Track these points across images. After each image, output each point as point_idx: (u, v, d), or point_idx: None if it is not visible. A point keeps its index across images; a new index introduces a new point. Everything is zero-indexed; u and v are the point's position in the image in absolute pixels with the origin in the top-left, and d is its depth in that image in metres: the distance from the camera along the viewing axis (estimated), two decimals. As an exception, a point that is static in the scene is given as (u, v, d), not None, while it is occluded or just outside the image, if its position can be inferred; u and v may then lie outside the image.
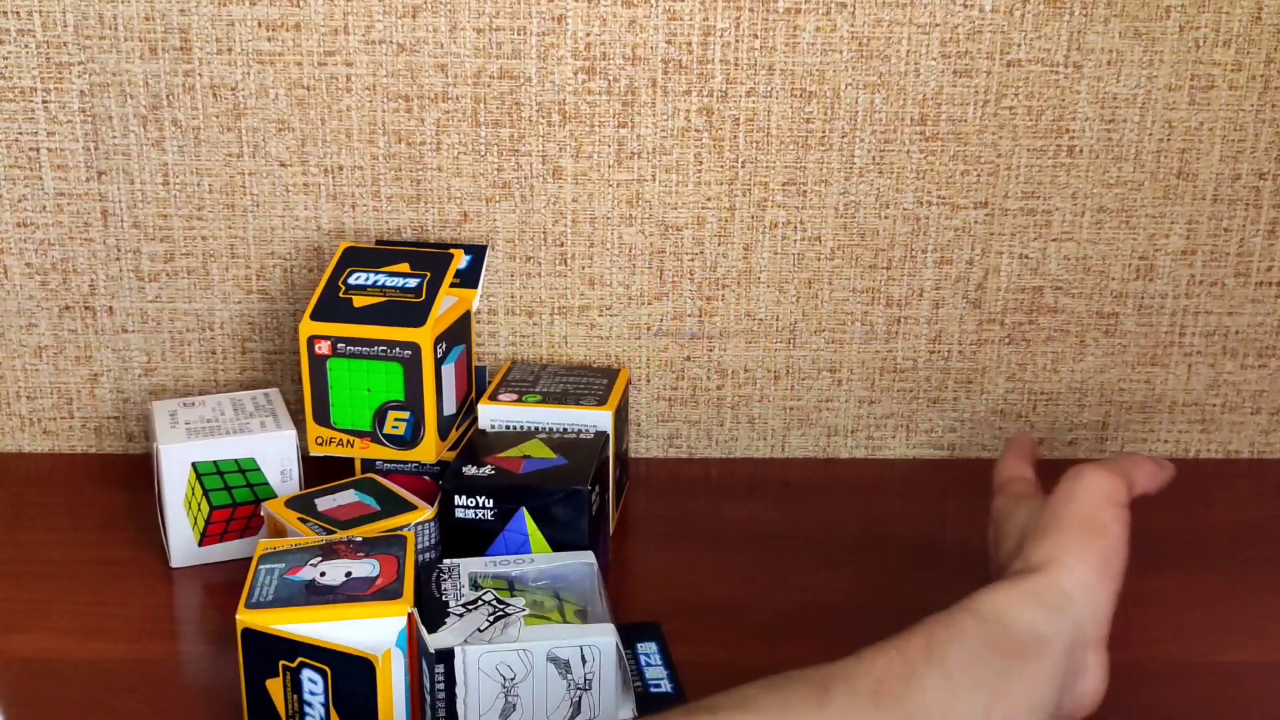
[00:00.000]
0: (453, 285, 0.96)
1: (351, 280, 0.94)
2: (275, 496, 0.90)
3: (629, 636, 0.80)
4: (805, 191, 1.02)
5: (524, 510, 0.85)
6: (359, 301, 0.92)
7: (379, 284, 0.93)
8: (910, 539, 0.97)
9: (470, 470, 0.88)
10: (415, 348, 0.90)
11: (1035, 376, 1.07)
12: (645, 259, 1.04)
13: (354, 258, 0.96)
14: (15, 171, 1.00)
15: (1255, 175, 1.03)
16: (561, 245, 1.03)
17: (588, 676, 0.73)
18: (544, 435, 0.94)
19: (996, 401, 1.08)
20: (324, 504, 0.86)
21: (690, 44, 0.99)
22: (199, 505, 0.90)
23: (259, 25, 0.98)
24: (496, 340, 1.05)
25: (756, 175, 1.02)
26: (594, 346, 1.06)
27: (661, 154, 1.01)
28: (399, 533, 0.81)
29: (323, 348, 0.91)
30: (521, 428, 0.96)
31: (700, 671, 0.80)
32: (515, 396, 0.97)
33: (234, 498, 0.91)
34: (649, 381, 1.07)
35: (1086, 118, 1.01)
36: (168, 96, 0.99)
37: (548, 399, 0.97)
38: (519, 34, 0.98)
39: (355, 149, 1.01)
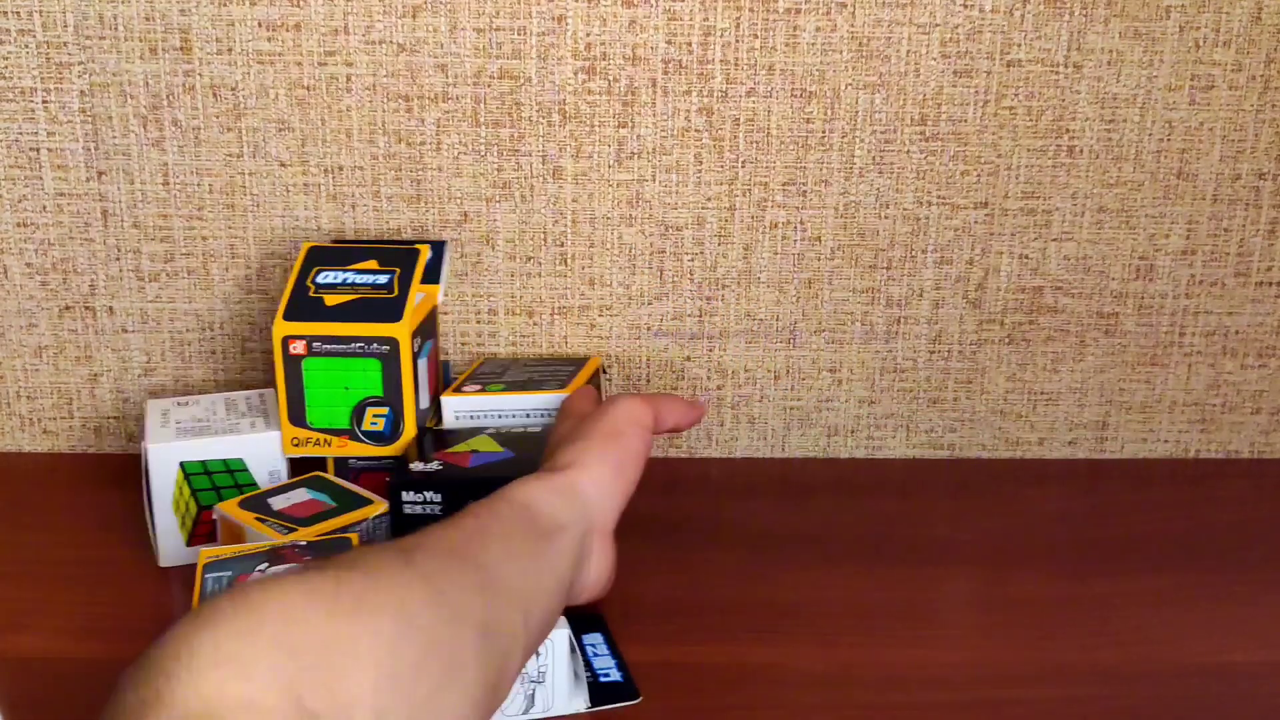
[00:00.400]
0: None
1: (320, 279, 0.93)
2: None
3: (575, 629, 0.80)
4: (805, 191, 1.02)
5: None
6: (331, 300, 0.92)
7: (349, 282, 0.93)
8: (910, 539, 0.97)
9: (418, 466, 0.89)
10: (394, 343, 0.90)
11: (1035, 376, 1.07)
12: (645, 259, 1.04)
13: (319, 257, 0.96)
14: (15, 171, 1.00)
15: (1255, 175, 1.03)
16: (561, 245, 1.03)
17: (541, 670, 0.73)
18: (493, 430, 0.94)
19: (996, 401, 1.08)
20: (279, 503, 0.86)
21: (690, 44, 0.99)
22: (187, 505, 0.90)
23: (259, 25, 0.98)
24: (497, 340, 1.05)
25: (756, 175, 1.02)
26: (594, 346, 1.06)
27: (661, 154, 1.01)
28: (346, 534, 0.81)
29: (298, 347, 0.91)
30: (486, 417, 0.96)
31: (701, 671, 0.80)
32: (479, 387, 0.97)
33: (222, 498, 0.90)
34: (649, 381, 1.07)
35: (1086, 118, 1.01)
36: (168, 96, 0.99)
37: (511, 387, 0.97)
38: (519, 34, 0.98)
39: (355, 149, 1.01)
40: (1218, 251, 1.04)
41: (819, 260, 1.04)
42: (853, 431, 1.09)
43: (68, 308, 1.04)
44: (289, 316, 0.91)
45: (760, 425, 1.08)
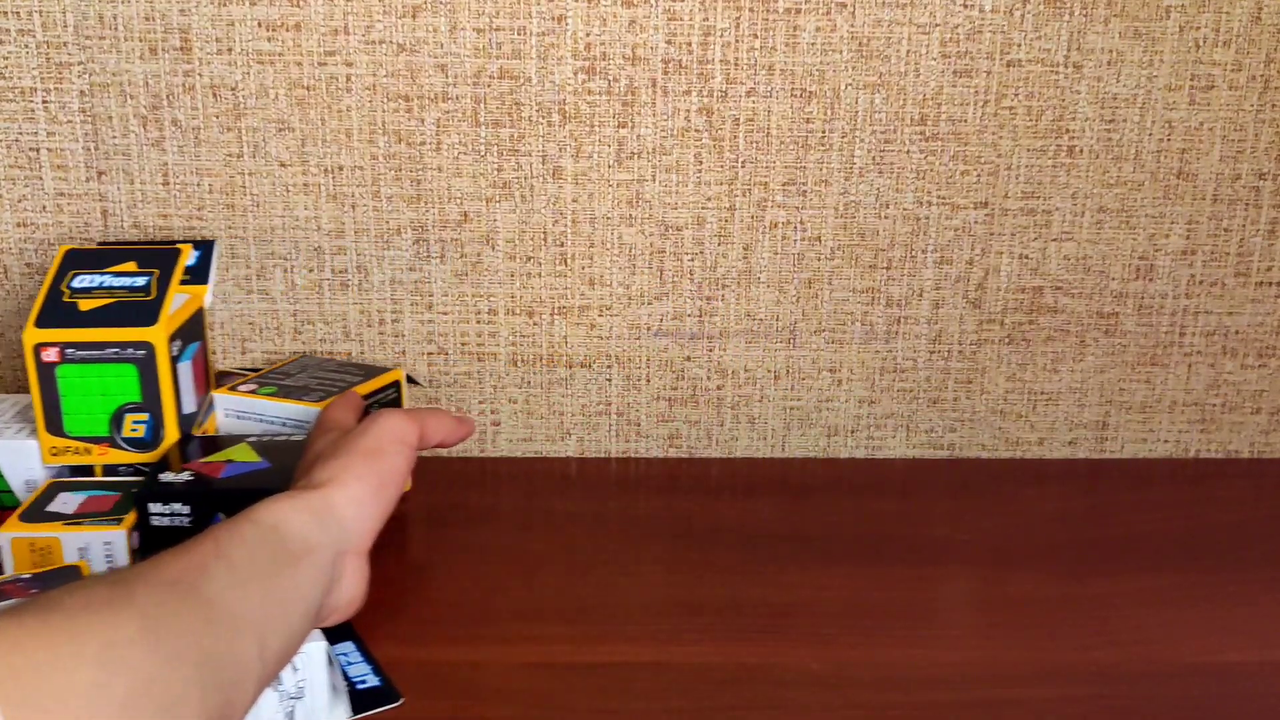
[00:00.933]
0: (183, 282, 0.95)
1: (76, 284, 0.91)
2: (18, 505, 0.88)
3: (327, 639, 0.78)
4: (805, 191, 1.02)
5: (219, 517, 0.82)
6: (85, 305, 0.90)
7: (105, 285, 0.91)
8: (910, 539, 0.97)
9: (167, 476, 0.86)
10: (149, 347, 0.88)
11: (1035, 376, 1.07)
12: (645, 259, 1.04)
13: (76, 260, 0.94)
14: (15, 171, 1.01)
15: (1255, 175, 1.02)
16: (561, 245, 1.03)
17: (300, 685, 0.72)
18: (254, 438, 0.92)
19: (996, 401, 1.08)
20: (62, 505, 0.85)
21: (690, 44, 0.99)
22: None
23: (259, 25, 0.98)
24: (497, 340, 1.05)
25: (756, 175, 1.02)
26: (594, 346, 1.06)
27: (661, 154, 1.01)
28: (74, 564, 0.80)
29: (50, 355, 0.88)
30: (252, 420, 0.95)
31: (701, 671, 0.80)
32: (254, 388, 0.97)
33: None
34: (649, 381, 1.07)
35: (1086, 118, 1.01)
36: (168, 96, 0.99)
37: (283, 391, 0.96)
38: (519, 34, 0.98)
39: (355, 149, 1.01)
40: (1218, 251, 1.04)
41: (819, 260, 1.04)
42: (853, 431, 1.09)
43: (68, 307, 1.04)
44: (41, 323, 0.88)
45: (760, 425, 1.08)
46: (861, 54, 0.99)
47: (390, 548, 0.94)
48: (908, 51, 0.99)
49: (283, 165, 1.01)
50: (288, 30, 0.98)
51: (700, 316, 1.05)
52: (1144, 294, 1.05)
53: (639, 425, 1.08)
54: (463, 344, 1.05)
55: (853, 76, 1.00)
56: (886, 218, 1.03)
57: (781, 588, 0.90)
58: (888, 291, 1.05)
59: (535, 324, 1.05)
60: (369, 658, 0.79)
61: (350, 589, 0.78)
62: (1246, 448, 1.10)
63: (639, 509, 1.02)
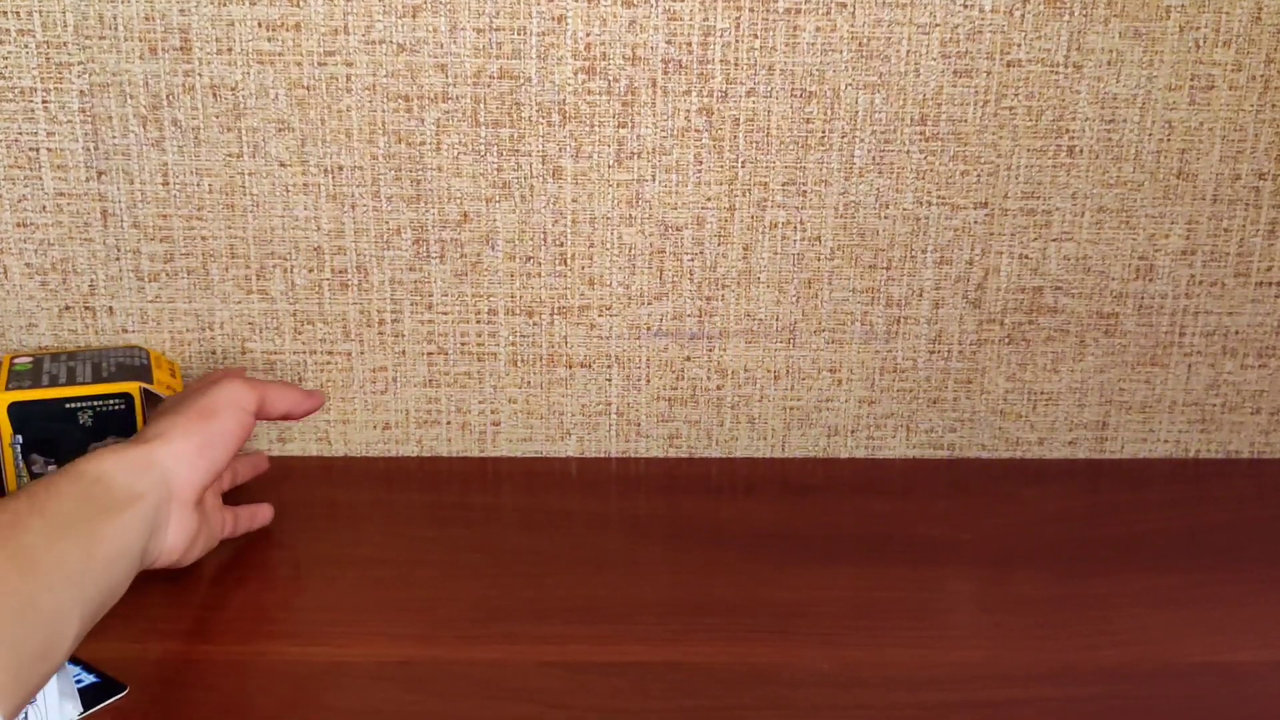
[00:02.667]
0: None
1: None
2: None
3: None
4: (805, 191, 1.02)
5: None
6: None
7: None
8: (911, 539, 0.97)
9: None
10: None
11: (1035, 376, 1.07)
12: (645, 259, 1.04)
13: None
14: (15, 171, 1.00)
15: (1255, 175, 1.03)
16: (561, 245, 1.03)
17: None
18: None
19: (996, 401, 1.08)
20: None
21: (690, 44, 0.99)
22: None
23: (259, 25, 0.98)
24: (497, 340, 1.05)
25: (756, 175, 1.02)
26: (594, 346, 1.06)
27: (661, 154, 1.01)
28: None
29: None
30: None
31: (711, 671, 0.80)
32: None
33: None
34: (649, 381, 1.07)
35: (1086, 118, 1.01)
36: (168, 96, 0.99)
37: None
38: (519, 34, 0.98)
39: (355, 149, 1.01)
40: (1218, 251, 1.04)
41: (819, 260, 1.04)
42: (853, 431, 1.09)
43: (67, 308, 1.04)
44: None
45: (760, 425, 1.08)
46: (861, 54, 0.99)
47: (394, 547, 0.95)
48: (908, 51, 0.99)
49: (283, 165, 1.01)
50: (288, 30, 0.98)
51: (700, 316, 1.05)
52: (1144, 294, 1.05)
53: (639, 425, 1.08)
54: (463, 344, 1.05)
55: (853, 76, 1.00)
56: (886, 218, 1.03)
57: (786, 588, 0.90)
58: (888, 291, 1.05)
59: (535, 324, 1.05)
60: (74, 659, 0.79)
61: (174, 537, 0.82)
62: (1246, 448, 1.10)
63: (639, 509, 1.02)
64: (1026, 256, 1.04)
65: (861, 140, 1.01)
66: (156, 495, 0.80)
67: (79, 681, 0.77)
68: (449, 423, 1.08)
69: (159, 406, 0.90)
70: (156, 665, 0.81)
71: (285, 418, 0.94)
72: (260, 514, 0.96)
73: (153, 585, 0.88)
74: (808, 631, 0.85)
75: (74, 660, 0.79)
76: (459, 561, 0.93)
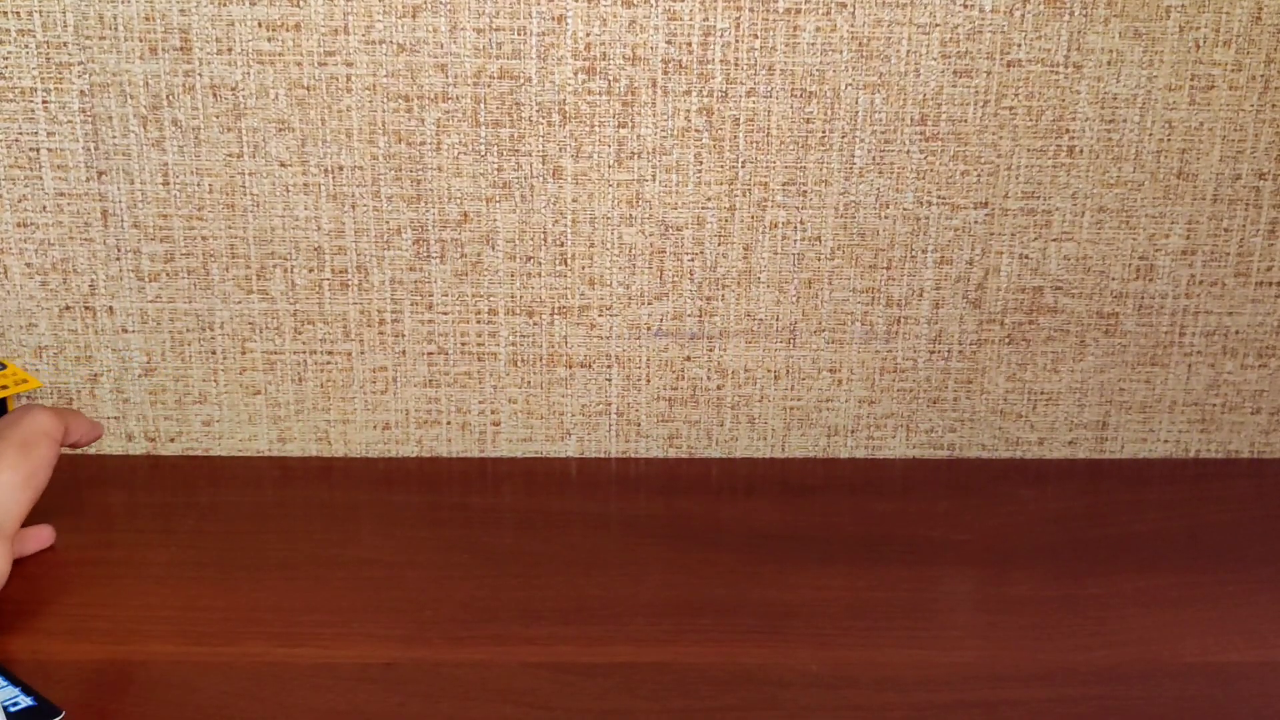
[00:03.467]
0: None
1: None
2: None
3: None
4: (805, 191, 1.02)
5: None
6: None
7: None
8: (910, 539, 0.97)
9: None
10: None
11: (1035, 376, 1.07)
12: (645, 259, 1.04)
13: None
14: (15, 171, 1.01)
15: (1255, 175, 1.02)
16: (561, 245, 1.03)
17: None
18: None
19: (996, 401, 1.08)
20: None
21: (690, 44, 0.99)
22: None
23: (259, 25, 0.98)
24: (497, 340, 1.05)
25: (756, 175, 1.02)
26: (594, 346, 1.06)
27: (661, 154, 1.01)
28: None
29: None
30: None
31: (702, 671, 0.80)
32: None
33: None
34: (649, 381, 1.07)
35: (1086, 118, 1.01)
36: (168, 96, 0.99)
37: None
38: (519, 34, 0.98)
39: (355, 149, 1.01)
40: (1218, 251, 1.04)
41: (819, 260, 1.04)
42: (853, 431, 1.09)
43: (67, 308, 1.04)
44: None
45: (760, 425, 1.08)
46: (861, 54, 0.99)
47: (390, 548, 0.95)
48: (908, 51, 0.99)
49: (283, 165, 1.01)
50: (288, 30, 0.98)
51: (700, 316, 1.05)
52: (1144, 294, 1.05)
53: (639, 425, 1.08)
54: (463, 344, 1.05)
55: (853, 76, 1.00)
56: (886, 218, 1.03)
57: (782, 588, 0.90)
58: (888, 291, 1.05)
59: (535, 324, 1.05)
60: (15, 680, 0.78)
61: None
62: (1246, 448, 1.10)
63: (639, 509, 1.02)
64: (1027, 256, 1.04)
65: (862, 140, 1.01)
66: None
67: (14, 705, 0.75)
68: (449, 423, 1.08)
69: None
70: (141, 665, 0.81)
71: (75, 445, 0.93)
72: (41, 535, 0.94)
73: (137, 585, 0.89)
74: (801, 632, 0.85)
75: (13, 681, 0.77)
76: (451, 562, 0.93)
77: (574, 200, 1.02)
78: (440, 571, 0.91)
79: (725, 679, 0.79)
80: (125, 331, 1.04)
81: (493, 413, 1.08)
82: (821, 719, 0.76)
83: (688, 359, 1.07)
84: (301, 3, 0.97)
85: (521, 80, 0.99)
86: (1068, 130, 1.01)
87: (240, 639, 0.83)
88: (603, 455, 1.09)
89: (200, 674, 0.80)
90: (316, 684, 0.78)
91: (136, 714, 0.76)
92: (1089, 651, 0.83)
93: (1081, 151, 1.02)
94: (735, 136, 1.01)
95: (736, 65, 0.99)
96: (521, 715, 0.76)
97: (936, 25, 0.99)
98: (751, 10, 0.98)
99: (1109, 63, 1.00)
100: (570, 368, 1.06)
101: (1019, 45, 0.99)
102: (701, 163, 1.02)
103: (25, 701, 0.75)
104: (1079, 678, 0.80)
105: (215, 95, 0.99)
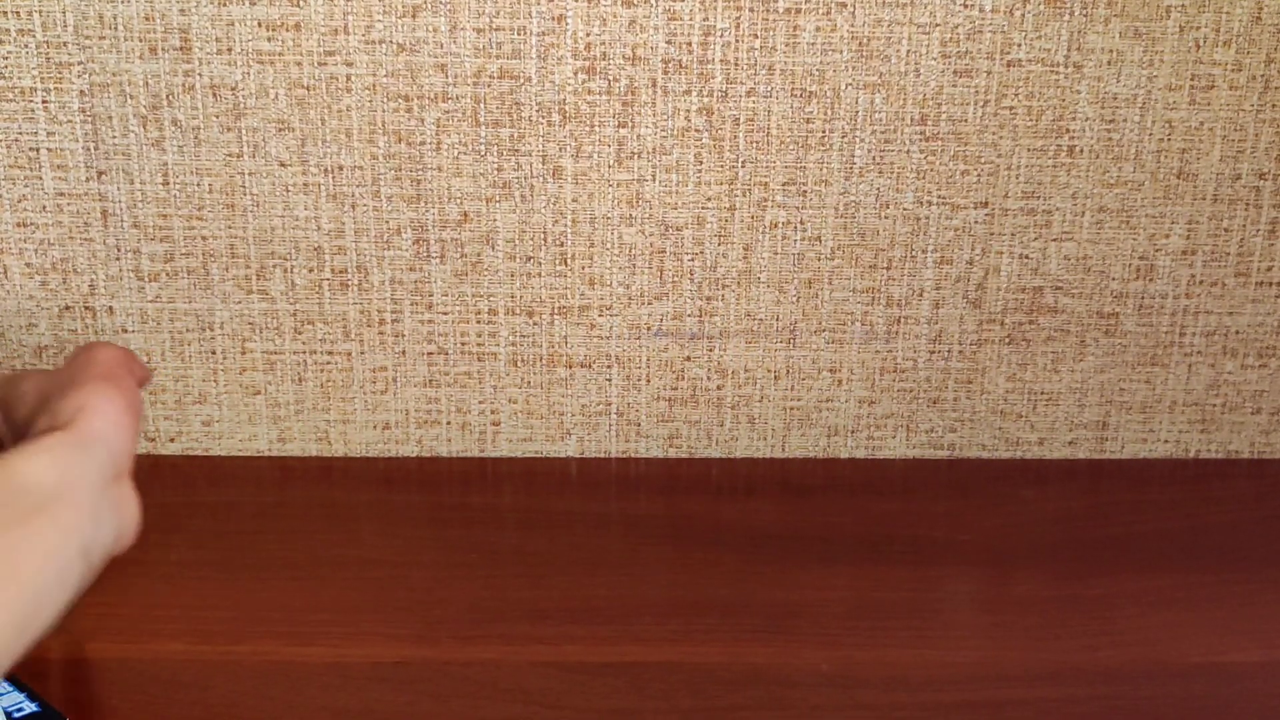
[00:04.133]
0: None
1: None
2: None
3: None
4: (805, 191, 1.02)
5: None
6: None
7: None
8: (911, 539, 0.97)
9: None
10: None
11: (1035, 376, 1.07)
12: (645, 259, 1.04)
13: None
14: (15, 171, 1.00)
15: (1255, 175, 1.03)
16: (561, 245, 1.03)
17: None
18: None
19: (996, 401, 1.08)
20: None
21: (690, 44, 0.99)
22: None
23: (259, 25, 0.98)
24: (497, 340, 1.05)
25: (756, 175, 1.02)
26: (594, 346, 1.06)
27: (661, 154, 1.01)
28: None
29: None
30: None
31: (710, 671, 0.80)
32: None
33: None
34: (649, 381, 1.07)
35: (1086, 118, 1.01)
36: (168, 96, 0.99)
37: None
38: (519, 34, 0.98)
39: (355, 149, 1.01)
40: (1218, 251, 1.04)
41: (819, 260, 1.04)
42: (853, 432, 1.09)
43: (67, 308, 1.04)
44: None
45: (760, 425, 1.08)
46: (861, 54, 0.99)
47: (393, 547, 0.95)
48: (908, 51, 0.99)
49: (283, 165, 1.01)
50: (288, 30, 0.98)
51: (700, 316, 1.05)
52: (1144, 294, 1.05)
53: (639, 425, 1.08)
54: (463, 344, 1.05)
55: (853, 76, 1.00)
56: (886, 218, 1.03)
57: (786, 588, 0.90)
58: (888, 291, 1.05)
59: (535, 324, 1.05)
60: (21, 685, 0.76)
61: (127, 516, 0.72)
62: (1247, 448, 1.10)
63: (640, 509, 1.02)
64: (1027, 256, 1.04)
65: (862, 140, 1.01)
66: (99, 476, 0.69)
67: (19, 711, 0.74)
68: (449, 423, 1.08)
69: (17, 392, 0.77)
70: (151, 664, 0.81)
71: (140, 384, 0.81)
72: None
73: (147, 584, 0.89)
74: (807, 632, 0.85)
75: (18, 686, 0.76)
76: (456, 562, 0.93)
77: (574, 200, 1.02)
78: (445, 571, 0.91)
79: (733, 678, 0.79)
80: (125, 331, 1.04)
81: (493, 413, 1.07)
82: (830, 718, 0.76)
83: (688, 359, 1.06)
84: (301, 3, 0.97)
85: (521, 80, 0.99)
86: (1068, 130, 1.01)
87: (249, 638, 0.83)
88: (603, 455, 1.09)
89: (210, 673, 0.80)
90: (327, 683, 0.79)
91: (147, 713, 0.76)
92: (1094, 651, 0.83)
93: (1081, 151, 1.02)
94: (735, 136, 1.01)
95: (736, 65, 0.99)
96: (532, 714, 0.76)
97: (936, 25, 0.99)
98: (751, 10, 0.98)
99: (1109, 63, 1.00)
100: (570, 368, 1.06)
101: (1019, 45, 0.99)
102: (701, 163, 1.01)
103: (30, 708, 0.75)
104: (1085, 678, 0.80)
105: (215, 95, 0.99)
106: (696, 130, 1.01)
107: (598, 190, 1.02)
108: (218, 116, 1.00)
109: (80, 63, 0.98)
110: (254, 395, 1.07)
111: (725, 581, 0.91)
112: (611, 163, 1.01)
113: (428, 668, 0.80)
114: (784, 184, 1.02)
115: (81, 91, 0.99)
